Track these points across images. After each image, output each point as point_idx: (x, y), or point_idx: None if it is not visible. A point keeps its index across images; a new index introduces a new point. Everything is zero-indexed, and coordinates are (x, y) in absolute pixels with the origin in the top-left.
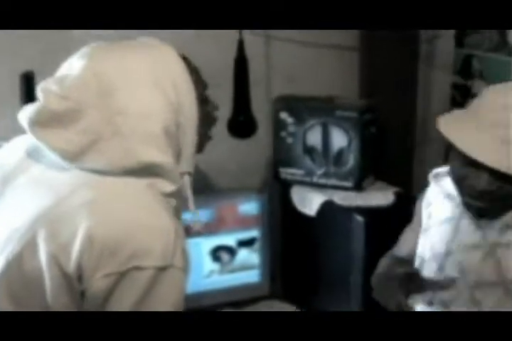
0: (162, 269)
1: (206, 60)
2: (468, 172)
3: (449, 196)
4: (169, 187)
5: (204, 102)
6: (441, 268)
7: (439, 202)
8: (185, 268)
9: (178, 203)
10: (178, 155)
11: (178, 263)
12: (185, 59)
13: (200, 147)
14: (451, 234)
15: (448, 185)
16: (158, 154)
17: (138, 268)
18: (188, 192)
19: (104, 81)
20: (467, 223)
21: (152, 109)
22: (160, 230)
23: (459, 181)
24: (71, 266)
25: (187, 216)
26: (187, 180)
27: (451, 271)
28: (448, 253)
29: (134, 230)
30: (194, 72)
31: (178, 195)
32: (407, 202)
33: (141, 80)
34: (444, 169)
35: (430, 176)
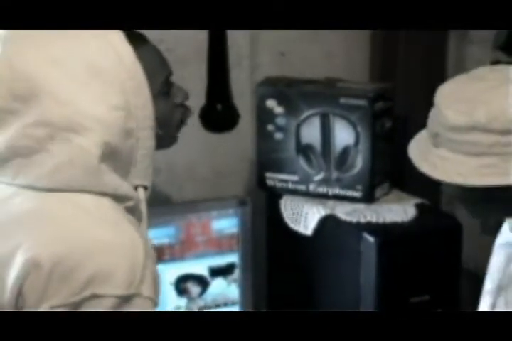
0: (126, 299)
1: (172, 32)
2: None
3: None
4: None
5: (165, 95)
6: (492, 307)
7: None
8: (154, 298)
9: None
10: (128, 166)
11: (147, 291)
12: (133, 36)
13: (159, 147)
14: (504, 264)
15: None
16: (91, 179)
17: (95, 297)
18: (143, 210)
19: (22, 78)
20: None
21: (86, 120)
22: (124, 248)
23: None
24: (6, 297)
25: None
26: (141, 195)
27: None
28: (500, 289)
29: (90, 249)
30: (151, 57)
31: (134, 213)
32: (433, 217)
33: (73, 76)
34: None
35: None
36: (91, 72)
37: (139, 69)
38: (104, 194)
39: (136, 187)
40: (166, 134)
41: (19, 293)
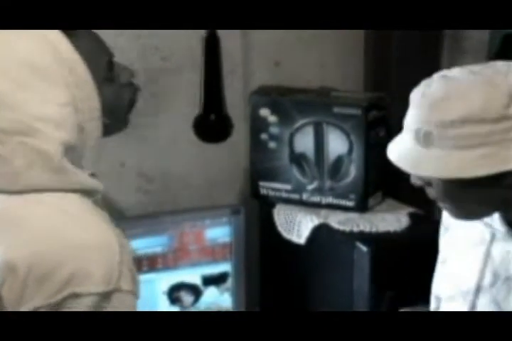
0: (106, 295)
1: (164, 39)
2: None
3: None
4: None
5: (109, 80)
6: (472, 308)
7: (460, 225)
8: (135, 291)
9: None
10: (80, 159)
11: (126, 285)
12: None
13: (112, 133)
14: (482, 264)
15: None
16: (56, 178)
17: (75, 296)
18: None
19: None
20: (501, 247)
21: (38, 121)
22: (99, 246)
23: None
24: None
25: None
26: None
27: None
28: (479, 290)
29: (65, 248)
30: (88, 44)
31: (98, 202)
32: (426, 227)
33: (14, 79)
34: None
35: None
36: (28, 71)
37: (80, 62)
38: (72, 190)
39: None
40: (116, 119)
41: None
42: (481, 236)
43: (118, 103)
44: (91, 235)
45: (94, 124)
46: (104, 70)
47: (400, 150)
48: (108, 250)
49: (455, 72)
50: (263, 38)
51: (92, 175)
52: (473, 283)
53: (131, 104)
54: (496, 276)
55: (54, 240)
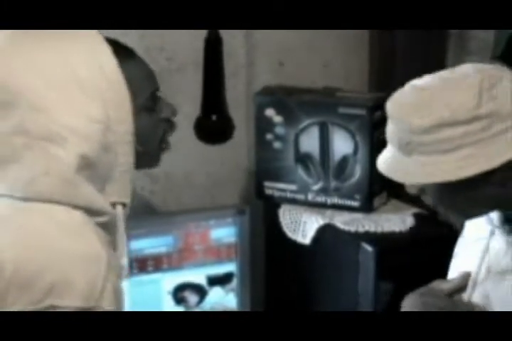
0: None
1: (168, 40)
2: None
3: None
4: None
5: (149, 110)
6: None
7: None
8: None
9: (109, 239)
10: (105, 182)
11: (108, 304)
12: (120, 49)
13: (141, 166)
14: (480, 259)
15: None
16: (66, 191)
17: (54, 308)
18: (120, 230)
19: (1, 85)
20: (498, 242)
21: (64, 130)
22: (86, 259)
23: None
24: None
25: None
26: (119, 212)
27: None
28: (475, 284)
29: (52, 257)
30: (137, 70)
31: (109, 229)
32: (431, 227)
33: (53, 85)
34: None
35: None
36: (71, 82)
37: (122, 82)
38: (77, 207)
39: (114, 204)
40: (146, 151)
41: None
42: (483, 232)
43: (152, 135)
44: (79, 247)
45: (127, 149)
46: (147, 99)
47: (387, 162)
48: (94, 266)
49: (425, 80)
50: (267, 38)
51: (123, 204)
52: (471, 278)
53: (164, 139)
54: (488, 271)
55: (42, 248)
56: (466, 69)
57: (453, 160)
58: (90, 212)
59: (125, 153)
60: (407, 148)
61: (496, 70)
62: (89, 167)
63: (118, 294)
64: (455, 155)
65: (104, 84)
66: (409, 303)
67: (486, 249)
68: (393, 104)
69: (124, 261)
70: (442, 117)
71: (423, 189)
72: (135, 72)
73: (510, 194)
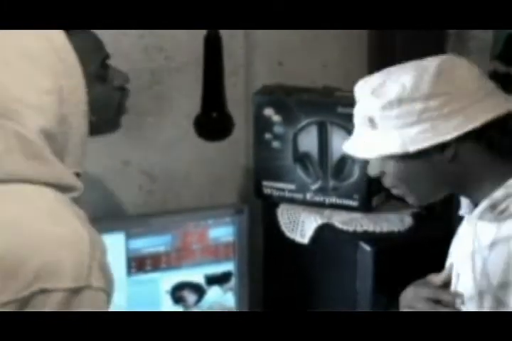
0: (75, 291)
1: (168, 38)
2: None
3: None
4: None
5: (101, 79)
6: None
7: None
8: (106, 289)
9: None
10: (62, 154)
11: (97, 282)
12: None
13: (101, 132)
14: (481, 268)
15: None
16: (32, 167)
17: (44, 292)
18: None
19: None
20: (464, 227)
21: (18, 105)
22: (69, 241)
23: None
24: None
25: None
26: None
27: None
28: (458, 274)
29: (34, 242)
30: (85, 40)
31: (79, 202)
32: (429, 227)
33: (2, 60)
34: None
35: None
36: (20, 55)
37: (71, 52)
38: (48, 184)
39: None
40: (102, 119)
41: None
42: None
43: (107, 103)
44: (60, 229)
45: (80, 119)
46: (97, 68)
47: (350, 141)
48: (78, 245)
49: (391, 67)
50: (266, 37)
51: (77, 174)
52: (477, 288)
53: (121, 108)
54: (458, 256)
55: (23, 234)
56: (432, 58)
57: (411, 133)
58: (61, 188)
59: (79, 124)
60: (370, 125)
61: (454, 58)
62: (49, 140)
63: (105, 270)
64: (413, 129)
65: (53, 56)
66: (405, 294)
67: (457, 235)
68: (360, 86)
69: None
70: (403, 93)
71: (383, 171)
72: (83, 41)
73: (461, 172)
